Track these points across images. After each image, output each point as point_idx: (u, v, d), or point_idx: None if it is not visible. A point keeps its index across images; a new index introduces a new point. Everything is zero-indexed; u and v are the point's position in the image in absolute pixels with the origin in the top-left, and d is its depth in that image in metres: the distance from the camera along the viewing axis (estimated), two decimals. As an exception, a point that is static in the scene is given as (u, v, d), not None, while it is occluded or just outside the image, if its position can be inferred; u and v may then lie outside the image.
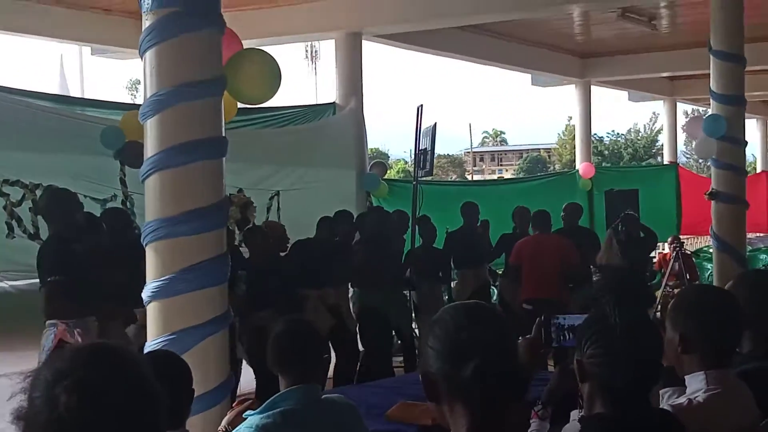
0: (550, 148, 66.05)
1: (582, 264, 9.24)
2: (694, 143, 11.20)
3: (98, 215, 7.53)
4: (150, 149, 4.83)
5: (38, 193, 7.67)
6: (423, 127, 11.28)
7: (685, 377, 2.87)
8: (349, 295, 9.09)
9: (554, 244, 9.29)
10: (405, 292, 9.65)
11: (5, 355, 7.01)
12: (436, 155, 12.29)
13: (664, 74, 17.73)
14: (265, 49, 5.89)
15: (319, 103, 11.57)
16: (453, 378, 2.01)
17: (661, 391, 3.03)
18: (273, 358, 3.64)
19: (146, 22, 4.79)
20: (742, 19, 9.95)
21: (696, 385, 2.81)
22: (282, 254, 8.23)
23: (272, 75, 5.61)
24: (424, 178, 11.66)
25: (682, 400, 2.77)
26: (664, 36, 14.37)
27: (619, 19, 12.95)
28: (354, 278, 8.90)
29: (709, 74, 10.21)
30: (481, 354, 1.98)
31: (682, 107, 20.47)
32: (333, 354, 8.20)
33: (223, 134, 4.98)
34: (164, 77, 4.77)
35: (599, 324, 2.46)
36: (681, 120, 19.45)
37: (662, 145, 24.35)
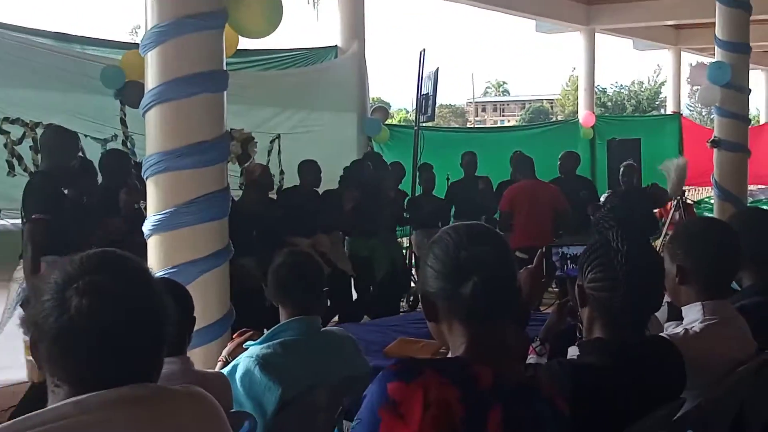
0: (553, 99, 65.79)
1: (578, 212, 9.21)
2: (697, 92, 11.13)
3: (99, 154, 7.51)
4: (151, 82, 4.81)
5: (38, 131, 7.63)
6: (425, 72, 11.24)
7: (683, 308, 2.89)
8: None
9: (547, 191, 9.30)
10: (399, 239, 9.64)
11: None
12: (438, 104, 12.26)
13: (670, 22, 17.59)
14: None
15: (320, 46, 11.46)
16: (452, 296, 2.03)
17: (665, 325, 3.06)
18: (273, 289, 3.65)
19: (148, -46, 4.75)
20: (749, -36, 9.88)
21: (693, 315, 2.84)
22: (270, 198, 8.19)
23: (273, 9, 5.57)
24: (425, 124, 11.63)
25: (679, 329, 2.79)
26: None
27: (625, -36, 12.84)
28: (345, 226, 8.87)
29: (714, 23, 10.14)
30: (481, 272, 1.99)
31: (686, 58, 20.29)
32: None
33: (224, 68, 4.95)
34: (165, 9, 4.74)
35: (601, 249, 2.47)
36: (685, 71, 19.31)
37: (666, 97, 24.26)
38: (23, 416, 1.59)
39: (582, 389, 2.27)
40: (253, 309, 6.02)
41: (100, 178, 6.76)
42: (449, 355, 2.08)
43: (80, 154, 6.94)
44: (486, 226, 2.17)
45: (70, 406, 1.61)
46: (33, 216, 5.88)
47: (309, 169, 8.59)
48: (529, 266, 2.89)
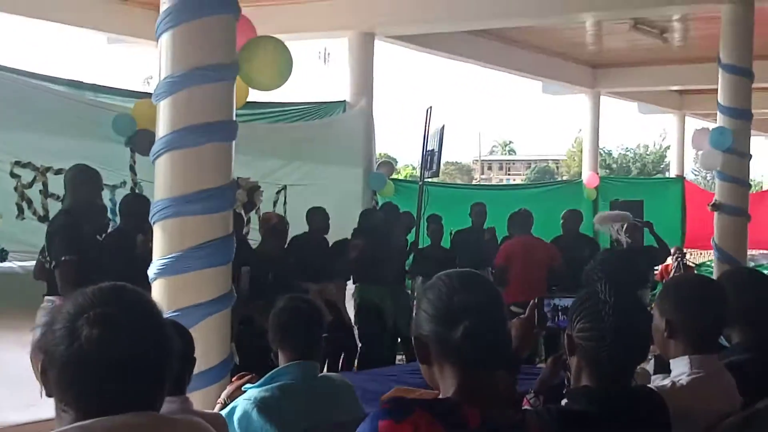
0: (558, 160, 66.13)
1: (580, 271, 9.27)
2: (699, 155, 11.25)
3: (108, 200, 7.62)
4: (162, 129, 4.94)
5: (49, 176, 7.75)
6: (431, 128, 11.38)
7: (670, 361, 2.96)
8: (349, 292, 9.20)
9: (542, 247, 9.42)
10: (407, 289, 9.75)
11: (13, 334, 7.06)
12: (444, 162, 12.40)
13: (674, 87, 17.81)
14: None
15: (329, 100, 11.65)
16: (444, 340, 2.11)
17: (652, 377, 3.13)
18: (273, 333, 3.74)
19: (164, 5, 4.90)
20: (752, 34, 10.08)
21: (680, 368, 2.91)
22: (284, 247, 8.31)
23: (284, 62, 5.73)
24: (430, 179, 11.75)
25: (666, 382, 2.86)
26: (676, 49, 14.44)
27: (631, 30, 13.03)
28: (354, 273, 8.98)
29: (717, 90, 10.33)
30: (472, 317, 2.08)
31: (691, 123, 20.48)
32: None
33: (234, 119, 5.09)
34: (179, 60, 4.88)
35: (590, 300, 2.55)
36: (690, 135, 19.49)
37: (670, 161, 24.42)
38: None
39: (568, 434, 2.35)
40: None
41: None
42: (440, 397, 2.16)
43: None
44: (478, 274, 2.26)
45: (76, 431, 1.69)
46: (63, 258, 5.96)
47: (318, 216, 8.78)
48: (522, 316, 2.97)
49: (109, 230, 6.95)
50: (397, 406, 2.02)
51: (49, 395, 1.77)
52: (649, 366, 3.16)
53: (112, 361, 1.70)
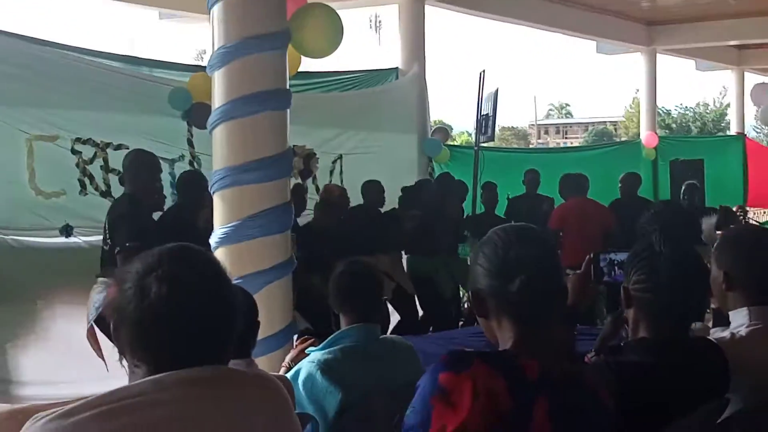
0: (616, 121, 65.32)
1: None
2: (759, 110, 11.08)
3: (167, 174, 7.74)
4: (217, 100, 5.02)
5: (109, 151, 7.86)
6: (485, 92, 11.34)
7: (729, 313, 2.96)
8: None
9: (597, 210, 9.35)
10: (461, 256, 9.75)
11: (78, 309, 7.21)
12: (499, 127, 12.38)
13: (732, 43, 17.47)
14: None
15: (381, 68, 11.64)
16: (501, 293, 2.14)
17: (711, 331, 3.13)
18: (334, 297, 3.79)
19: (215, -23, 4.96)
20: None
21: (739, 320, 2.90)
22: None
23: (335, 29, 5.76)
24: (485, 144, 11.72)
25: (725, 333, 2.86)
26: (733, 3, 14.15)
27: (686, -15, 12.83)
28: (407, 246, 9.00)
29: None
30: (528, 270, 2.11)
31: (750, 78, 20.08)
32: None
33: (288, 87, 5.14)
34: (231, 30, 4.94)
35: (645, 252, 2.57)
36: (750, 91, 19.14)
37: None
38: (105, 392, 1.74)
39: (626, 385, 2.37)
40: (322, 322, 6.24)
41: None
42: (498, 349, 2.20)
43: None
44: (533, 228, 2.29)
45: (148, 384, 1.76)
46: (126, 245, 5.95)
47: (373, 189, 8.82)
48: (578, 271, 2.99)
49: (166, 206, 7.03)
50: (457, 358, 2.06)
51: (121, 353, 1.84)
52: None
53: (181, 316, 1.77)
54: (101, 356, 6.09)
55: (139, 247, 5.82)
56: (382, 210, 8.94)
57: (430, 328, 8.65)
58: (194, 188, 7.05)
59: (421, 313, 9.10)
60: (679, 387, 2.46)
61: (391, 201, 9.16)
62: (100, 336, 6.05)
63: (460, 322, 9.36)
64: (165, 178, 7.39)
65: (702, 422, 2.50)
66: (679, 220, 2.65)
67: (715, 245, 3.02)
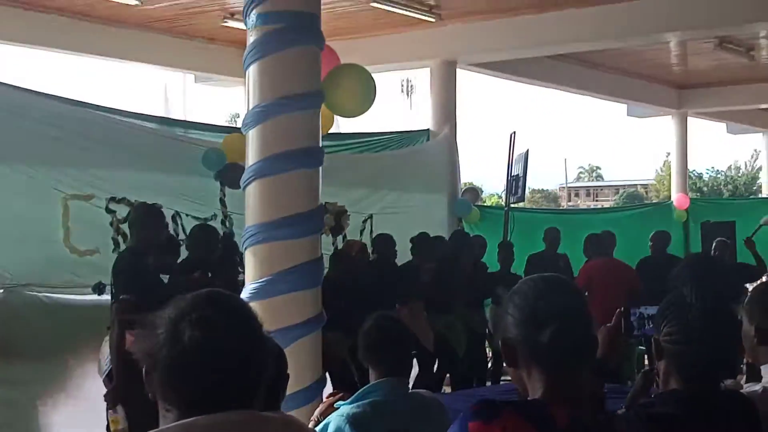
0: (647, 184, 65.18)
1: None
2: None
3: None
4: (251, 158, 5.10)
5: (142, 211, 7.97)
6: (515, 153, 11.42)
7: (762, 367, 2.94)
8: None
9: (624, 271, 9.33)
10: (480, 315, 9.70)
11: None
12: (530, 189, 12.42)
13: (763, 106, 17.48)
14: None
15: (413, 129, 11.77)
16: (531, 343, 2.15)
17: (744, 385, 3.11)
18: (364, 350, 3.80)
19: (250, 38, 5.07)
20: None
21: (771, 373, 2.89)
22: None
23: (367, 90, 5.87)
24: (515, 204, 11.75)
25: (757, 387, 2.85)
26: (763, 67, 14.21)
27: (716, 49, 12.87)
28: (424, 296, 8.91)
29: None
30: (558, 320, 2.12)
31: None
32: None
33: (320, 145, 5.22)
34: (266, 90, 5.05)
35: (677, 303, 2.57)
36: (781, 153, 19.09)
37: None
38: None
39: (656, 436, 2.36)
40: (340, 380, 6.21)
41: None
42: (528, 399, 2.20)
43: (169, 230, 7.27)
44: (563, 278, 2.30)
45: (178, 428, 1.78)
46: (121, 297, 6.06)
47: (384, 243, 8.82)
48: (608, 324, 2.99)
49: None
50: (487, 407, 2.07)
51: (153, 398, 1.87)
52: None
53: (214, 361, 1.79)
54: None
55: (133, 300, 5.92)
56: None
57: (443, 385, 8.59)
58: (201, 244, 7.14)
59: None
60: (710, 439, 2.44)
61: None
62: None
63: (488, 383, 9.30)
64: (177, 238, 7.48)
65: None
66: (711, 272, 2.64)
67: (746, 300, 3.02)
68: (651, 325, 3.00)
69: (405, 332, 3.88)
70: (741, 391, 2.79)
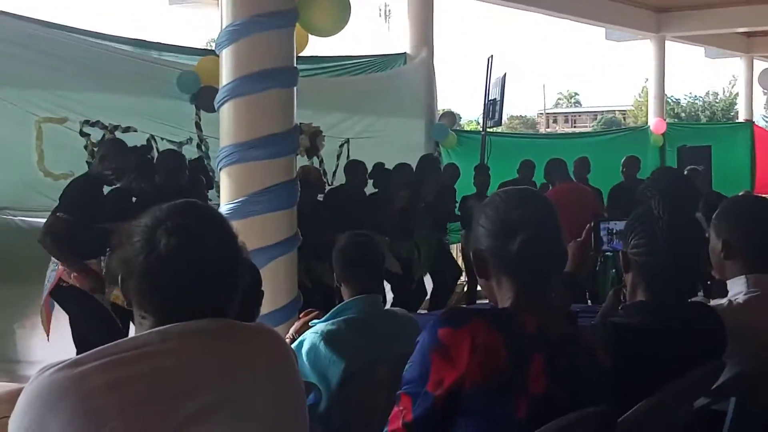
0: (625, 110, 65.13)
1: None
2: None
3: None
4: (225, 78, 5.07)
5: (117, 134, 7.90)
6: (493, 77, 11.38)
7: (727, 282, 2.99)
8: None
9: (589, 195, 9.40)
10: (444, 239, 9.76)
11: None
12: (509, 115, 12.40)
13: (741, 30, 17.43)
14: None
15: (389, 53, 11.68)
16: (501, 253, 2.19)
17: (712, 300, 3.16)
18: (338, 269, 3.84)
19: (223, -42, 5.01)
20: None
21: (737, 288, 2.93)
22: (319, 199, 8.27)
23: (341, 8, 5.81)
24: (492, 129, 11.75)
25: (723, 300, 2.90)
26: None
27: (694, -29, 12.80)
28: (389, 228, 8.91)
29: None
30: (528, 230, 2.15)
31: (759, 66, 20.02)
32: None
33: (295, 65, 5.19)
34: (239, 8, 5.00)
35: (644, 216, 2.60)
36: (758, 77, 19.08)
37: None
38: (112, 343, 1.79)
39: (623, 346, 2.40)
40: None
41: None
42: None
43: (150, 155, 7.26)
44: (533, 189, 2.33)
45: (153, 335, 1.80)
46: (57, 213, 6.00)
47: (355, 170, 8.78)
48: (578, 239, 3.03)
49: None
50: (456, 315, 2.11)
51: (128, 306, 1.89)
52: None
53: (189, 268, 1.81)
54: (47, 329, 6.20)
55: (66, 220, 5.87)
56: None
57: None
58: (171, 169, 7.10)
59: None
60: (675, 349, 2.49)
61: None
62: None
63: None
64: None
65: (697, 385, 2.53)
66: (678, 185, 2.67)
67: (714, 215, 3.05)
68: (619, 241, 3.03)
69: (377, 249, 3.91)
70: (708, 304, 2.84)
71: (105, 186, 6.32)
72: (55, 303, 6.24)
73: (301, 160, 7.92)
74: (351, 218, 8.03)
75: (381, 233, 8.61)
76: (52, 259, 6.12)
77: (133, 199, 6.46)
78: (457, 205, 9.92)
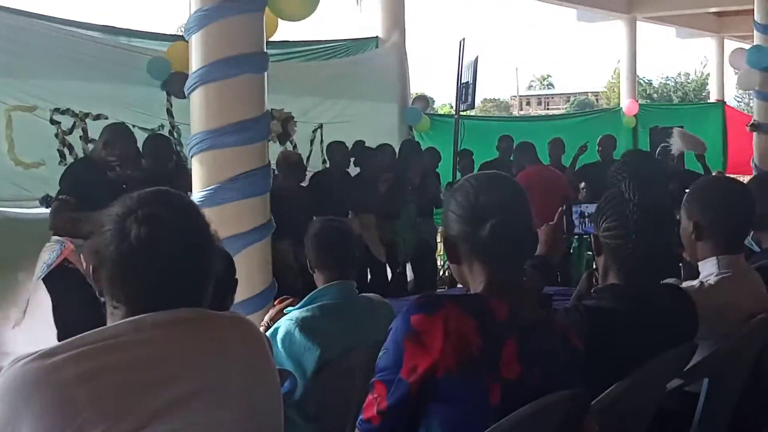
0: (598, 92, 65.37)
1: None
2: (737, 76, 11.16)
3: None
4: (195, 64, 5.03)
5: (88, 121, 7.83)
6: (465, 60, 11.34)
7: (698, 263, 3.01)
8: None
9: (558, 177, 9.43)
10: (430, 225, 9.77)
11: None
12: (481, 99, 12.38)
13: (712, 10, 17.50)
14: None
15: (361, 37, 11.63)
16: (472, 238, 2.18)
17: (683, 283, 3.18)
18: (312, 255, 3.82)
19: (192, -60, 4.96)
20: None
21: (708, 269, 2.96)
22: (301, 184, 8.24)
23: (311, -8, 5.77)
24: (465, 112, 11.73)
25: (695, 282, 2.92)
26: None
27: (665, -49, 12.82)
28: (377, 208, 8.93)
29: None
30: (498, 215, 2.15)
31: (730, 46, 20.10)
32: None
33: (265, 50, 5.15)
34: (208, -7, 4.95)
35: (615, 199, 2.61)
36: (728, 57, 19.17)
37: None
38: (84, 333, 1.77)
39: (596, 329, 2.41)
40: (288, 289, 6.22)
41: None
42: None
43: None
44: (503, 174, 2.33)
45: (126, 325, 1.79)
46: (60, 197, 5.93)
47: (338, 151, 8.77)
48: (551, 222, 3.03)
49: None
50: (428, 300, 2.10)
51: (100, 295, 1.87)
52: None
53: (160, 257, 1.80)
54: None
55: (72, 202, 5.84)
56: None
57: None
58: (158, 152, 7.05)
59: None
60: (648, 331, 2.51)
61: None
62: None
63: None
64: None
65: (670, 367, 2.55)
66: (648, 168, 2.68)
67: (684, 197, 3.07)
68: (591, 224, 3.04)
69: (351, 235, 3.90)
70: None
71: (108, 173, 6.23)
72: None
73: (274, 146, 7.88)
74: (338, 200, 8.06)
75: (369, 213, 8.66)
76: (53, 239, 6.05)
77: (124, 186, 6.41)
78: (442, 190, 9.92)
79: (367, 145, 9.20)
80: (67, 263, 5.90)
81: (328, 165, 9.22)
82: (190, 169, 6.43)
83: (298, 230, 7.21)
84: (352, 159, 8.99)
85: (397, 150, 9.68)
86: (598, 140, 10.45)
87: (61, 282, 5.98)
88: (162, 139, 7.50)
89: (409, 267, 9.61)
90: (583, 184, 8.36)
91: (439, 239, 10.33)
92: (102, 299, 1.88)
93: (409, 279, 9.71)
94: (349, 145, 9.08)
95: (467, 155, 10.44)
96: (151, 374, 1.76)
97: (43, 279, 6.08)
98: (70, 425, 1.67)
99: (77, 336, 1.76)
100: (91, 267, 1.85)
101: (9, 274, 6.99)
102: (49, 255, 6.02)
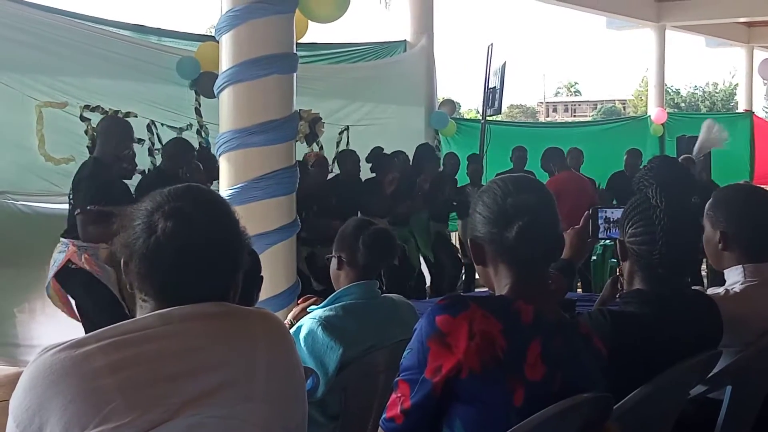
0: (625, 100, 65.12)
1: None
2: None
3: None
4: (225, 63, 5.07)
5: (117, 119, 7.91)
6: (493, 66, 11.35)
7: (724, 272, 3.01)
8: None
9: (588, 184, 9.40)
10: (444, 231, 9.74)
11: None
12: (508, 105, 12.37)
13: (742, 19, 17.41)
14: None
15: (390, 40, 11.65)
16: (498, 240, 2.19)
17: (708, 290, 3.18)
18: (347, 253, 3.80)
19: (225, -57, 5.00)
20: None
21: (734, 277, 2.95)
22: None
23: (341, -6, 5.80)
24: (492, 117, 11.72)
25: (720, 290, 2.91)
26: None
27: (696, -41, 12.76)
28: (385, 211, 8.87)
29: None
30: (525, 217, 2.16)
31: (760, 56, 20.00)
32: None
33: (295, 51, 5.19)
34: (240, -7, 4.98)
35: (641, 205, 2.61)
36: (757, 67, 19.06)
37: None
38: (113, 325, 1.80)
39: (620, 334, 2.42)
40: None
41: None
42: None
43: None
44: (531, 177, 2.34)
45: (155, 318, 1.82)
46: (88, 207, 5.87)
47: (347, 159, 8.79)
48: (576, 226, 3.04)
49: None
50: (454, 301, 2.12)
51: (130, 289, 1.90)
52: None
53: (187, 251, 1.83)
54: (67, 311, 6.21)
55: (101, 209, 5.86)
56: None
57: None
58: (176, 155, 7.01)
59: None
60: (672, 338, 2.51)
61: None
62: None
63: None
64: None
65: (693, 373, 2.55)
66: (675, 174, 2.68)
67: (708, 206, 3.06)
68: (615, 229, 3.04)
69: (396, 241, 3.91)
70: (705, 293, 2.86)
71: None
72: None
73: (301, 147, 7.91)
74: (347, 206, 8.07)
75: (381, 218, 8.65)
76: (61, 240, 6.10)
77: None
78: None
79: (391, 148, 9.19)
80: (70, 264, 5.96)
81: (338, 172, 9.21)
82: (211, 169, 6.50)
83: (310, 233, 7.32)
84: (369, 165, 9.00)
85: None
86: (626, 151, 10.41)
87: (72, 282, 6.05)
88: (178, 144, 7.43)
89: (426, 272, 9.57)
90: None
91: (454, 240, 10.38)
92: (131, 292, 1.91)
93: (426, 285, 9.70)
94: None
95: (475, 161, 10.37)
96: (178, 366, 1.78)
97: (57, 278, 6.13)
98: (97, 414, 1.69)
99: (106, 327, 1.79)
100: (122, 261, 1.87)
101: (37, 268, 7.06)
102: (57, 254, 6.08)
